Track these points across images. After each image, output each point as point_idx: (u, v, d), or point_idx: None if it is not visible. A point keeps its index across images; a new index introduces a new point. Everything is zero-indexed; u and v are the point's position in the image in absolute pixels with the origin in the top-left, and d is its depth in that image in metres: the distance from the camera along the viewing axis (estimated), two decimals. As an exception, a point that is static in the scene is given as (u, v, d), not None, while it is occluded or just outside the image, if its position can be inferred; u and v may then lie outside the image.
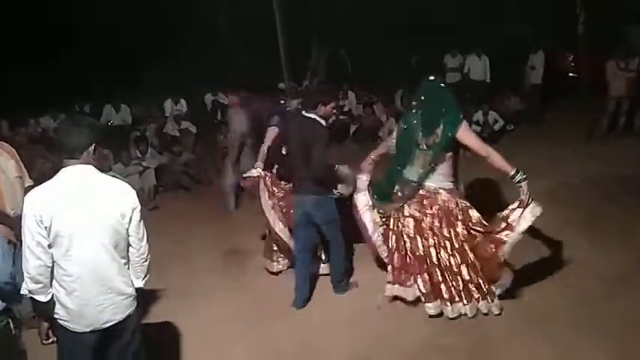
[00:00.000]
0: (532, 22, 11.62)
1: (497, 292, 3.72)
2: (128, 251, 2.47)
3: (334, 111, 4.18)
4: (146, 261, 2.55)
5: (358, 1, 12.04)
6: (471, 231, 3.71)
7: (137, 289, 2.53)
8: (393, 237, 3.93)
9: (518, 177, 3.51)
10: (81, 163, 2.33)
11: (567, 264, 4.23)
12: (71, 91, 11.50)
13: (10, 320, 2.45)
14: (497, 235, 3.55)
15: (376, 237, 4.17)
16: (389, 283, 3.94)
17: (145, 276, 2.58)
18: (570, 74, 11.45)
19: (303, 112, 4.01)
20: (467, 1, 12.19)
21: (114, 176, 5.90)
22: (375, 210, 4.16)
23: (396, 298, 3.96)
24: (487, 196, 4.94)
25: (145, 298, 4.24)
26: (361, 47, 13.20)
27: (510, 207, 3.57)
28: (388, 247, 4.02)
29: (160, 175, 7.70)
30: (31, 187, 3.04)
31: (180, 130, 9.61)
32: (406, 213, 3.82)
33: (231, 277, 4.88)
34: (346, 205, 4.22)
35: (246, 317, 4.09)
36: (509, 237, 3.49)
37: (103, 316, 2.37)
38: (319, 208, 3.93)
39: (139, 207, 2.44)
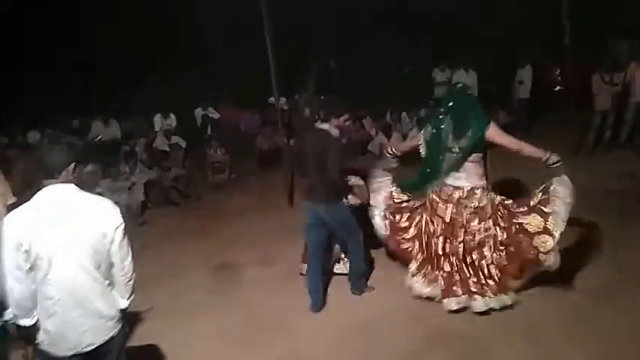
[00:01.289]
0: (520, 37, 11.78)
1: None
2: (111, 271, 2.42)
3: (347, 123, 4.30)
4: (130, 280, 2.49)
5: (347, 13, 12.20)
6: (514, 216, 3.91)
7: (122, 310, 2.49)
8: (424, 236, 4.18)
9: (552, 159, 3.77)
10: (61, 182, 2.30)
11: (553, 275, 4.21)
12: (61, 105, 11.43)
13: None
14: (540, 207, 3.80)
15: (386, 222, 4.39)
16: (412, 277, 4.18)
17: (130, 296, 2.52)
18: (557, 88, 11.60)
19: (317, 124, 4.15)
20: (454, 17, 12.37)
21: (99, 193, 5.88)
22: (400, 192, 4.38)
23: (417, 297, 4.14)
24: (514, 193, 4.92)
25: (131, 317, 4.23)
26: (350, 59, 13.31)
27: (542, 187, 3.84)
28: (416, 246, 4.25)
29: (148, 191, 7.66)
30: (13, 206, 3.00)
31: (170, 145, 9.57)
32: (440, 214, 4.04)
33: (221, 293, 4.82)
34: (359, 211, 4.39)
35: (236, 335, 4.05)
36: (550, 208, 3.75)
37: (84, 340, 2.33)
38: (331, 214, 4.09)
39: (123, 225, 2.39)
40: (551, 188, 3.82)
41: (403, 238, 4.37)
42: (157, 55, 12.95)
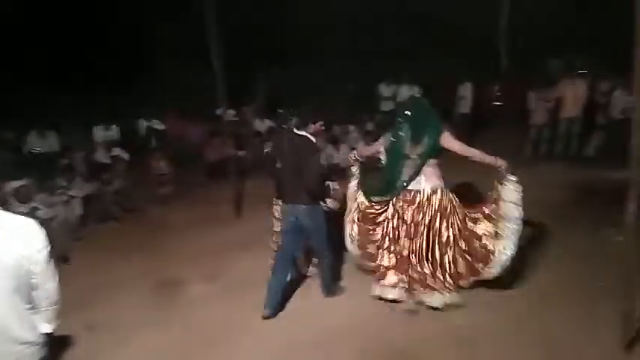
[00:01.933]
0: (459, 55, 12.29)
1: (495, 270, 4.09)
2: (34, 295, 2.24)
3: (322, 129, 4.47)
4: (55, 305, 2.33)
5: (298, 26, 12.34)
6: (467, 218, 4.18)
7: (46, 335, 2.32)
8: (387, 238, 4.36)
9: (500, 163, 4.04)
10: None
11: (493, 281, 4.38)
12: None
13: None
14: (488, 211, 4.09)
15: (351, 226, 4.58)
16: (377, 282, 4.34)
17: (54, 321, 2.36)
18: (496, 104, 12.13)
19: (294, 130, 4.25)
20: (401, 37, 12.83)
21: (34, 208, 5.56)
22: (365, 198, 4.54)
23: (380, 298, 4.30)
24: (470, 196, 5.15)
25: (66, 337, 4.03)
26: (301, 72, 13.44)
27: (494, 191, 4.09)
28: (381, 247, 4.41)
29: (87, 205, 7.33)
30: None
31: (112, 158, 9.23)
32: (404, 217, 4.26)
33: (162, 310, 4.65)
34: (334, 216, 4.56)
35: (177, 354, 3.92)
36: (496, 212, 4.03)
37: (4, 367, 2.15)
38: (310, 216, 4.19)
39: (46, 247, 2.23)
40: (502, 192, 4.05)
41: (370, 242, 4.54)
42: (99, 66, 12.59)
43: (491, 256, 4.05)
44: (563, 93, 8.77)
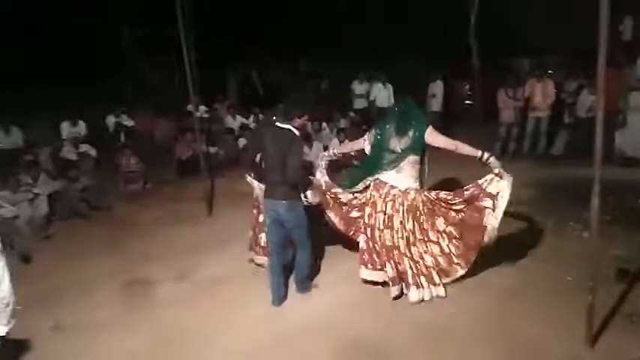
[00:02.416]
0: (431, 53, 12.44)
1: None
2: None
3: (307, 123, 4.47)
4: (8, 306, 2.28)
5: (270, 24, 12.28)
6: (452, 209, 4.28)
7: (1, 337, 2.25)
8: (368, 229, 4.47)
9: (485, 156, 4.12)
10: None
11: (464, 280, 4.48)
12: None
13: None
14: (479, 203, 4.13)
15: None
16: (362, 266, 4.50)
17: (9, 322, 2.31)
18: (467, 102, 12.32)
19: (278, 124, 4.24)
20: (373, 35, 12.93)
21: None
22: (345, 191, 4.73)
23: (366, 281, 4.50)
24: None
25: (31, 336, 3.91)
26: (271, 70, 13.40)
27: (486, 178, 4.14)
28: (365, 235, 4.52)
29: (53, 203, 7.12)
30: None
31: (79, 154, 9.00)
32: (379, 209, 4.37)
33: (130, 311, 4.54)
34: (313, 211, 4.57)
35: (145, 355, 3.84)
36: (490, 204, 4.08)
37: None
38: (290, 212, 4.19)
39: None
40: (490, 189, 4.14)
41: (354, 230, 4.72)
42: (65, 60, 12.26)
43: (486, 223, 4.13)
44: (532, 92, 8.94)
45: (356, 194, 4.67)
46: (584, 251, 3.52)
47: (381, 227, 4.38)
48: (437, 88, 10.84)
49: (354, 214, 4.73)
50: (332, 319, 4.14)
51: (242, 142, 9.88)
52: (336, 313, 4.23)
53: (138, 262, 5.54)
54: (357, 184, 4.62)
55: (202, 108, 10.96)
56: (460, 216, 4.28)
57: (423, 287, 4.29)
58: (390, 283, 4.32)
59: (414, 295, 4.27)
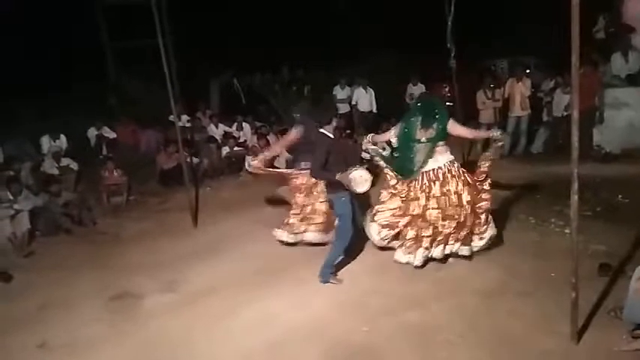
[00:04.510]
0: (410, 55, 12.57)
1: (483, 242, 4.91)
2: None
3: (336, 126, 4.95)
4: None
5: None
6: (469, 185, 4.79)
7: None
8: (416, 215, 4.86)
9: (496, 134, 4.93)
10: None
11: (447, 280, 4.54)
12: None
13: None
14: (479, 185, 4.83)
15: None
16: (398, 248, 4.95)
17: None
18: (446, 103, 12.41)
19: (318, 128, 4.76)
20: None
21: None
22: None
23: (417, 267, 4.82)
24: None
25: (16, 356, 3.85)
26: (252, 76, 13.41)
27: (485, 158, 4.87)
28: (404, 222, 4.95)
29: (35, 219, 7.02)
30: None
31: (60, 168, 8.88)
32: (432, 193, 4.80)
33: (118, 324, 4.50)
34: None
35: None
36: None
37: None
38: (334, 204, 4.78)
39: None
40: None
41: (395, 215, 5.03)
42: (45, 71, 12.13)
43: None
44: (510, 92, 9.07)
45: (397, 185, 5.03)
46: (567, 247, 3.56)
47: (433, 209, 4.77)
48: (417, 90, 10.91)
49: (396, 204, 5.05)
50: (321, 324, 4.15)
51: (225, 150, 9.85)
52: (324, 317, 4.24)
53: (124, 276, 5.48)
54: (400, 173, 5.01)
55: (184, 117, 10.91)
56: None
57: (473, 243, 4.86)
58: (415, 263, 4.74)
59: (465, 250, 4.83)
